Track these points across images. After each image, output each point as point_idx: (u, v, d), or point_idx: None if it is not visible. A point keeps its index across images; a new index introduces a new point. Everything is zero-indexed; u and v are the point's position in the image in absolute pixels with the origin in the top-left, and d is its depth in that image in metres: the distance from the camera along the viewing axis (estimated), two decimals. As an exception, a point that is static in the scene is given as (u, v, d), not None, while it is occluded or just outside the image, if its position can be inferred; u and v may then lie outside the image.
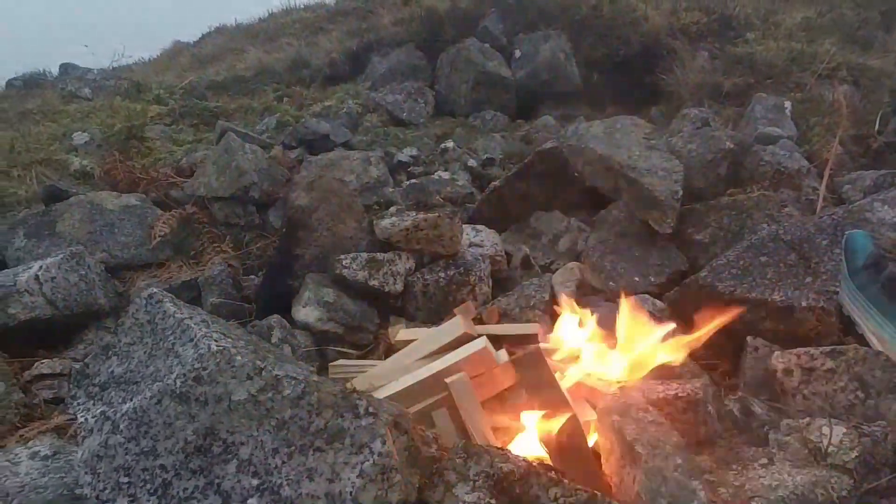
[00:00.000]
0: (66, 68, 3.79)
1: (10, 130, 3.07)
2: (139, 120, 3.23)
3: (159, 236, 2.10)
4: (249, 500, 0.83)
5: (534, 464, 0.92)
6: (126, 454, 0.92)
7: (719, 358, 1.62)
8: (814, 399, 1.28)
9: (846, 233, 1.51)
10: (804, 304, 1.45)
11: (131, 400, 0.97)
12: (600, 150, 2.19)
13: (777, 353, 1.35)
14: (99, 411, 1.00)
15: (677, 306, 1.73)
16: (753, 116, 2.59)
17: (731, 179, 2.30)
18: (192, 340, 0.99)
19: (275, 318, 1.58)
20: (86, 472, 0.93)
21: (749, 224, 1.97)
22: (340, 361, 1.47)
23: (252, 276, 2.13)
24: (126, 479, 0.90)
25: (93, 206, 2.16)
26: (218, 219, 2.35)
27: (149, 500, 0.88)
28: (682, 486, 0.97)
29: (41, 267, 1.66)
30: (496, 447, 0.96)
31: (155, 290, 1.10)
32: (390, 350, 1.61)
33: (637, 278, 1.99)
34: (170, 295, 1.12)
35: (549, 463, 1.06)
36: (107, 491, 0.90)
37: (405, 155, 2.76)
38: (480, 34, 3.59)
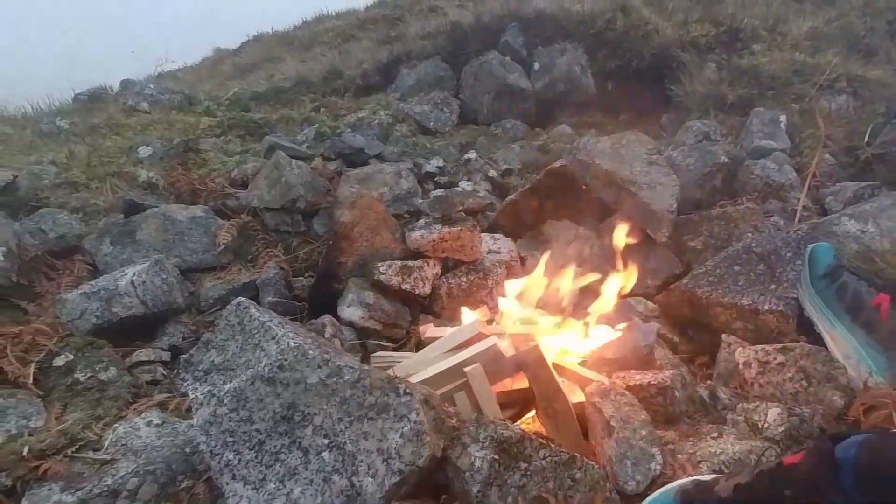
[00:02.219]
0: (125, 84, 4.18)
1: (83, 144, 3.46)
2: (194, 133, 3.60)
3: (223, 243, 2.46)
4: (323, 454, 1.16)
5: (528, 432, 1.23)
6: (230, 421, 1.26)
7: (700, 352, 1.91)
8: (767, 387, 1.55)
9: (810, 245, 1.76)
10: (766, 307, 1.72)
11: (231, 382, 1.32)
12: (606, 166, 2.46)
13: (739, 349, 1.63)
14: (206, 390, 1.35)
15: (666, 308, 2.01)
16: (750, 130, 2.81)
17: (725, 190, 2.55)
18: (273, 338, 1.33)
19: (327, 318, 1.91)
20: (201, 434, 1.27)
21: (736, 233, 2.23)
22: (380, 353, 1.80)
23: (300, 278, 2.47)
24: (231, 439, 1.24)
25: (165, 217, 2.52)
26: (269, 226, 2.70)
27: (248, 454, 1.22)
28: (644, 451, 1.27)
29: (135, 273, 2.02)
30: (500, 420, 1.27)
31: (242, 298, 1.44)
32: (420, 343, 1.93)
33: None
34: (253, 302, 1.46)
35: (543, 434, 1.37)
36: (217, 447, 1.24)
37: (432, 165, 3.07)
38: (502, 48, 3.85)
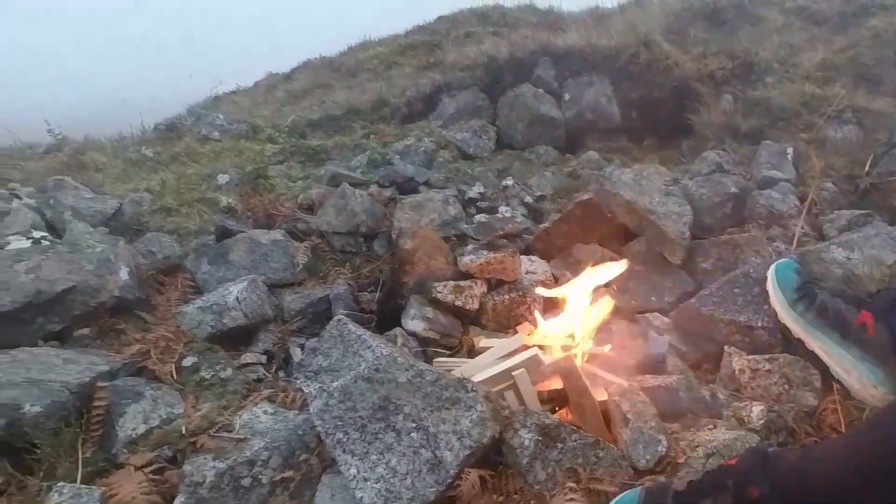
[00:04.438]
0: (198, 115, 4.70)
1: (168, 172, 3.97)
2: (261, 160, 4.09)
3: (301, 263, 2.91)
4: (412, 434, 1.58)
5: (563, 421, 1.63)
6: (338, 410, 1.69)
7: (706, 360, 2.27)
8: (757, 389, 1.92)
9: (770, 268, 2.05)
10: (760, 324, 2.08)
11: (337, 381, 1.75)
12: (628, 196, 2.83)
13: (735, 357, 2.00)
14: (317, 387, 1.78)
15: (678, 322, 2.39)
16: (759, 161, 3.15)
17: (734, 218, 2.89)
18: (369, 347, 1.76)
19: (398, 330, 2.34)
20: (317, 419, 1.70)
21: (741, 257, 2.58)
22: (440, 359, 2.22)
23: (365, 293, 2.92)
24: (340, 423, 1.67)
25: (252, 241, 2.98)
26: (336, 247, 3.15)
27: (354, 434, 1.64)
28: (653, 437, 1.66)
29: (238, 290, 2.48)
30: (542, 412, 1.68)
31: (342, 314, 1.88)
32: (471, 350, 2.35)
33: (653, 298, 2.64)
34: (349, 319, 1.89)
35: (574, 424, 1.77)
36: (330, 429, 1.67)
37: (474, 192, 3.48)
38: (534, 80, 4.25)
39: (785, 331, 2.04)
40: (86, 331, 2.39)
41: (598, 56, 4.12)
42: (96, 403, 1.87)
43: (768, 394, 1.89)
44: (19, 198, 3.36)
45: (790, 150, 3.15)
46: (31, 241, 2.72)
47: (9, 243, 2.69)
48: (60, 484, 1.65)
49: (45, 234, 2.84)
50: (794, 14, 5.12)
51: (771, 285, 2.02)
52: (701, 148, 3.58)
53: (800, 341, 2.04)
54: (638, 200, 2.81)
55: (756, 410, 1.73)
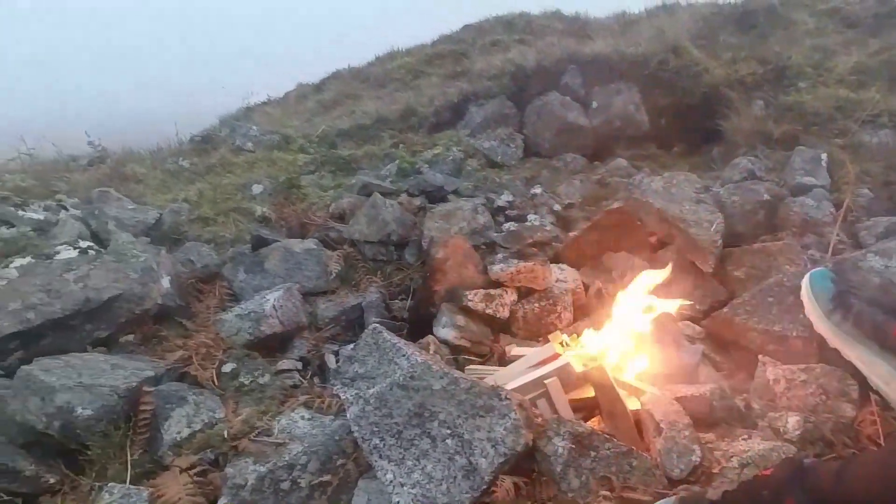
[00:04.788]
0: (233, 126, 4.84)
1: (204, 182, 4.09)
2: (294, 171, 4.19)
3: (334, 271, 2.98)
4: (447, 440, 1.62)
5: (595, 430, 1.65)
6: (375, 416, 1.73)
7: (739, 369, 2.26)
8: (793, 400, 1.90)
9: (805, 278, 2.03)
10: (795, 334, 2.06)
11: (373, 387, 1.79)
12: (658, 205, 2.83)
13: (769, 367, 1.98)
14: (353, 393, 1.83)
15: (710, 331, 2.38)
16: (793, 167, 3.11)
17: (767, 225, 2.86)
18: (404, 355, 1.80)
19: (430, 337, 2.38)
20: (354, 424, 1.74)
21: (775, 265, 2.56)
22: (471, 366, 2.25)
23: (396, 301, 2.97)
24: (376, 429, 1.71)
25: (286, 250, 3.06)
26: (367, 256, 3.21)
27: (391, 440, 1.68)
28: (686, 447, 1.67)
29: (274, 299, 2.55)
30: (574, 420, 1.69)
31: (377, 323, 1.93)
32: (501, 358, 2.38)
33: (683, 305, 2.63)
34: (384, 327, 1.94)
35: (607, 432, 1.78)
36: (367, 434, 1.72)
37: (503, 200, 3.51)
38: (562, 88, 4.27)
39: (821, 340, 2.01)
40: (130, 337, 2.48)
41: (625, 63, 4.12)
42: (143, 407, 1.95)
43: (804, 404, 1.87)
44: (66, 209, 3.51)
45: (824, 156, 3.11)
46: (78, 250, 2.84)
47: (58, 253, 2.81)
48: (111, 484, 1.73)
49: (91, 244, 2.96)
50: (826, 17, 5.04)
51: (806, 294, 2.00)
52: (732, 155, 3.55)
53: (836, 351, 2.01)
54: (668, 208, 2.81)
55: (792, 421, 1.72)
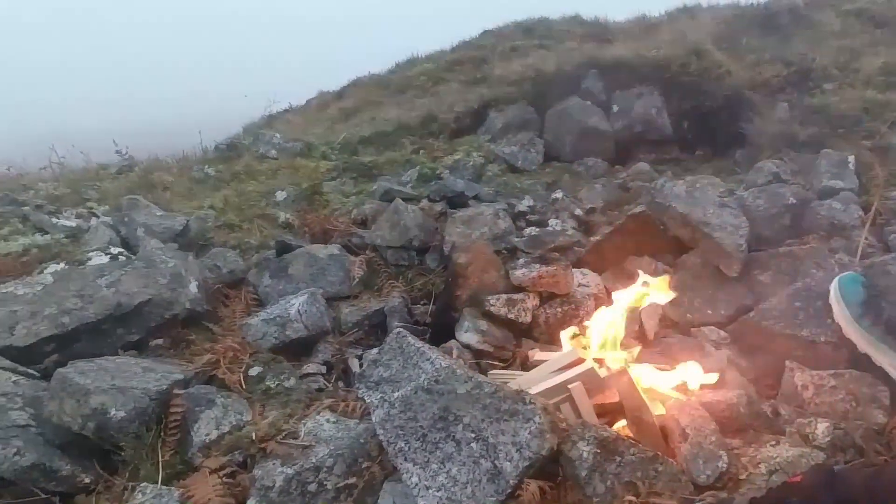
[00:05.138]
0: (256, 134, 4.92)
1: (229, 189, 4.17)
2: (317, 177, 4.25)
3: (357, 277, 3.01)
4: (471, 444, 1.63)
5: (621, 434, 1.64)
6: (400, 419, 1.75)
7: (766, 375, 2.23)
8: (822, 406, 1.88)
9: (833, 282, 2.00)
10: (823, 339, 2.03)
11: (398, 391, 1.81)
12: (681, 209, 2.81)
13: (797, 373, 1.96)
14: (378, 397, 1.85)
15: (736, 336, 2.35)
16: (819, 170, 3.07)
17: (793, 229, 2.82)
18: (428, 359, 1.82)
19: (453, 342, 2.40)
20: (379, 428, 1.76)
21: (801, 270, 2.52)
22: (494, 371, 2.26)
23: (418, 305, 2.99)
24: (401, 432, 1.73)
25: (310, 256, 3.10)
26: (390, 261, 3.24)
27: (415, 443, 1.70)
28: (713, 452, 1.65)
29: (299, 304, 2.59)
30: (599, 424, 1.69)
31: (401, 327, 1.95)
32: (524, 363, 2.38)
33: (709, 311, 2.60)
34: (407, 332, 1.96)
35: (632, 437, 1.77)
36: (392, 438, 1.74)
37: (524, 205, 3.51)
38: (582, 93, 4.26)
39: (850, 346, 1.99)
40: (160, 341, 2.54)
41: (646, 67, 4.11)
42: (173, 410, 2.00)
43: (834, 410, 1.85)
44: (97, 216, 3.61)
45: (852, 159, 3.06)
46: (109, 257, 2.93)
47: (90, 259, 2.89)
48: (143, 484, 1.77)
49: (122, 250, 3.05)
50: (853, 17, 4.96)
51: (834, 299, 1.98)
52: (756, 158, 3.51)
53: (866, 357, 1.99)
54: (691, 213, 2.79)
55: (821, 427, 1.70)
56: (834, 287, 1.97)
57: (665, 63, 4.07)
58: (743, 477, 1.62)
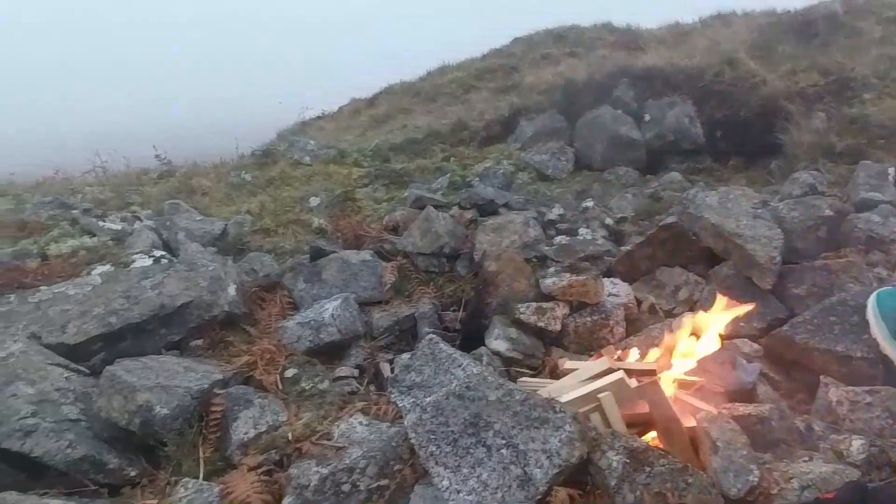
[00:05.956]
0: (291, 140, 5.04)
1: (265, 195, 4.29)
2: (349, 184, 4.34)
3: (388, 283, 3.07)
4: (502, 450, 1.66)
5: (651, 445, 1.66)
6: (431, 424, 1.79)
7: (799, 390, 2.21)
8: (857, 422, 1.86)
9: (871, 296, 1.97)
10: (859, 355, 2.01)
11: (430, 396, 1.85)
12: (713, 220, 2.80)
13: (832, 388, 1.94)
14: (410, 401, 1.89)
15: (769, 350, 2.33)
16: (857, 182, 3.02)
17: (829, 242, 2.78)
18: (460, 366, 1.86)
19: (483, 349, 2.43)
20: (411, 432, 1.81)
21: (837, 283, 2.49)
22: (523, 378, 2.28)
23: (448, 312, 3.03)
24: (433, 436, 1.77)
25: (343, 261, 3.17)
26: (420, 267, 3.29)
27: (447, 447, 1.74)
28: (744, 466, 1.65)
29: (333, 308, 2.66)
30: (629, 434, 1.71)
31: (433, 334, 1.99)
32: (553, 371, 2.40)
33: (741, 323, 2.58)
34: (439, 338, 2.00)
35: (662, 448, 1.78)
36: (423, 441, 1.78)
37: (554, 214, 3.53)
38: (613, 102, 4.26)
39: (887, 362, 1.96)
40: (199, 342, 2.63)
41: (679, 76, 4.09)
42: (213, 408, 2.08)
43: (869, 427, 1.82)
44: (140, 220, 3.75)
45: (892, 171, 3.00)
46: (152, 259, 3.04)
47: (134, 261, 3.01)
48: (185, 479, 1.85)
49: (164, 253, 3.16)
50: (894, 24, 4.85)
51: (872, 314, 1.94)
52: (791, 169, 3.47)
53: (900, 371, 1.96)
54: (724, 223, 2.77)
55: (856, 444, 1.68)
56: (871, 302, 1.93)
57: (698, 72, 4.05)
58: (774, 492, 1.61)
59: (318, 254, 3.27)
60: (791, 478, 1.64)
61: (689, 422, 1.90)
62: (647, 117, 4.17)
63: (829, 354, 2.08)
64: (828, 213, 2.80)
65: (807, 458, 1.73)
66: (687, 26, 6.52)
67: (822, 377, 2.07)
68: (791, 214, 2.85)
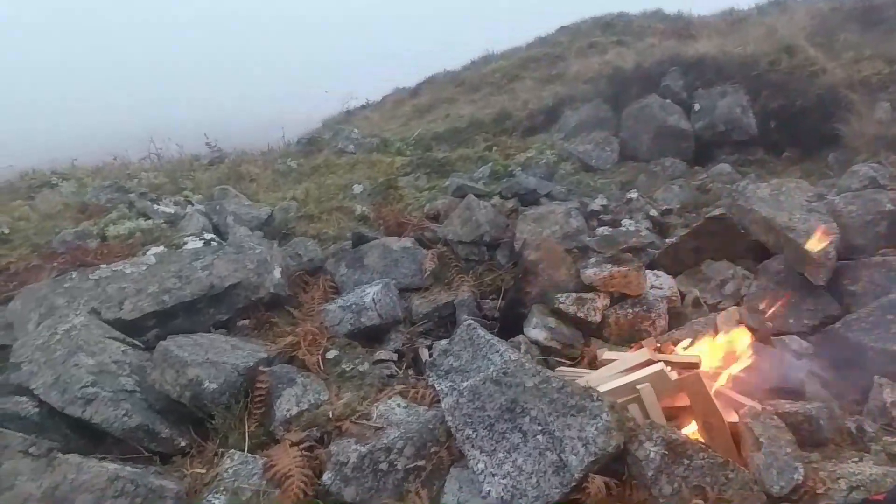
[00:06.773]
0: (335, 129, 5.13)
1: (310, 182, 4.38)
2: (392, 172, 4.39)
3: (428, 270, 3.10)
4: (538, 436, 1.66)
5: (691, 438, 1.63)
6: (468, 408, 1.81)
7: (852, 389, 2.13)
8: (913, 425, 1.78)
9: None
10: (917, 355, 1.92)
11: (467, 381, 1.87)
12: (764, 213, 2.71)
13: (887, 389, 1.86)
14: (447, 385, 1.92)
15: (820, 348, 2.25)
16: (922, 176, 2.86)
17: (889, 238, 2.65)
18: (498, 352, 1.87)
19: (521, 337, 2.43)
20: (448, 415, 1.83)
21: (896, 281, 2.38)
22: (562, 368, 2.27)
23: (487, 300, 3.04)
24: (469, 420, 1.79)
25: (384, 248, 3.22)
26: (460, 256, 3.30)
27: (483, 432, 1.75)
28: (788, 464, 1.61)
29: (374, 293, 2.71)
30: (668, 426, 1.69)
31: (472, 320, 2.01)
32: (592, 362, 2.38)
33: (791, 320, 2.50)
34: (477, 324, 2.02)
35: (702, 442, 1.75)
36: (460, 425, 1.80)
37: (597, 204, 3.49)
38: (662, 91, 4.16)
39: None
40: (245, 322, 2.73)
41: (732, 64, 3.95)
42: (259, 385, 2.15)
43: (926, 430, 1.75)
44: (192, 204, 3.89)
45: (961, 164, 2.84)
46: (202, 241, 3.16)
47: (186, 243, 3.13)
48: (232, 451, 1.93)
49: (214, 236, 3.28)
50: (968, 9, 4.54)
51: None
52: (851, 161, 3.31)
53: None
54: (775, 217, 2.68)
55: (910, 446, 1.62)
56: None
57: (753, 60, 3.90)
58: (821, 491, 1.57)
59: (360, 240, 3.33)
60: (839, 478, 1.60)
61: (730, 417, 1.87)
62: (696, 107, 4.05)
63: (884, 354, 2.00)
64: (889, 207, 2.67)
65: (856, 459, 1.67)
66: (742, 13, 6.29)
67: (876, 377, 2.00)
68: (849, 209, 2.73)
